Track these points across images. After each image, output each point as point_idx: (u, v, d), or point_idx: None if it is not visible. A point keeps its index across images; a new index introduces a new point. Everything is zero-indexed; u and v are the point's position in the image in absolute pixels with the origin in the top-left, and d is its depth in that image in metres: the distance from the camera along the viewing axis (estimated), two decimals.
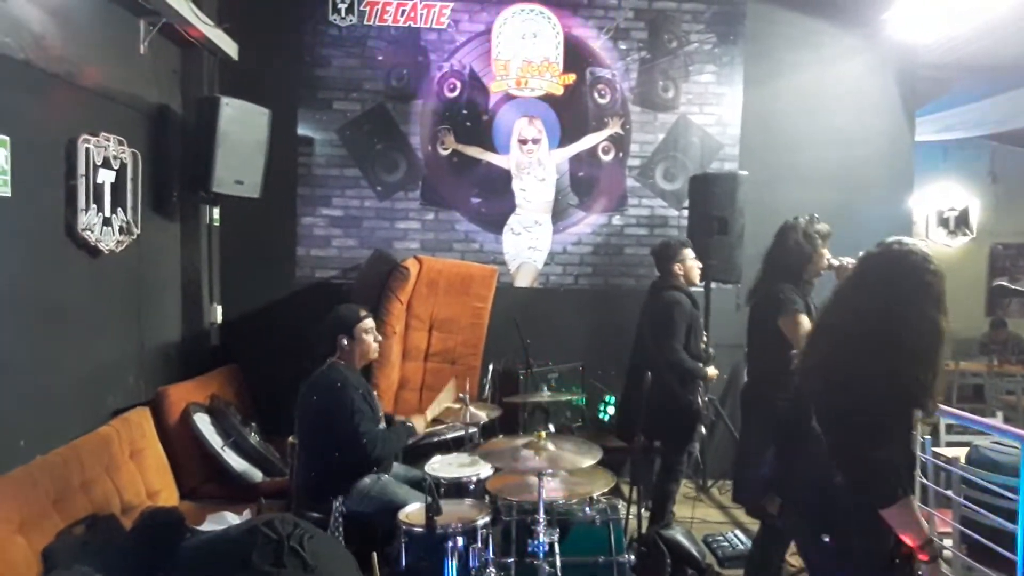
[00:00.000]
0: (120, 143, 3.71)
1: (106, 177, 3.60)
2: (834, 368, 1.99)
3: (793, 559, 4.01)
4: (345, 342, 3.27)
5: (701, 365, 4.01)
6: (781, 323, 3.12)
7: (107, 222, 3.62)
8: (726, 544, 4.16)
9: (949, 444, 4.20)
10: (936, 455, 3.72)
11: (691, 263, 4.17)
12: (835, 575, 2.03)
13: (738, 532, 4.28)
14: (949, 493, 3.53)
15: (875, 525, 1.91)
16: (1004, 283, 2.50)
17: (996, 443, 3.47)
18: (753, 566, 3.33)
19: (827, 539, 1.99)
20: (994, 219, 8.44)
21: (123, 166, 3.75)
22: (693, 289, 4.18)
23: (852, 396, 1.91)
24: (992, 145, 7.78)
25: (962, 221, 8.55)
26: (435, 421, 3.72)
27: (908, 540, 1.89)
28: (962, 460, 3.55)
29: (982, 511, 3.26)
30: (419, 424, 3.46)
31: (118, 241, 3.73)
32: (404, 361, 4.83)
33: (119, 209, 3.73)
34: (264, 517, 0.59)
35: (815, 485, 2.06)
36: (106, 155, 3.58)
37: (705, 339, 4.22)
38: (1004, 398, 7.13)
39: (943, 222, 8.64)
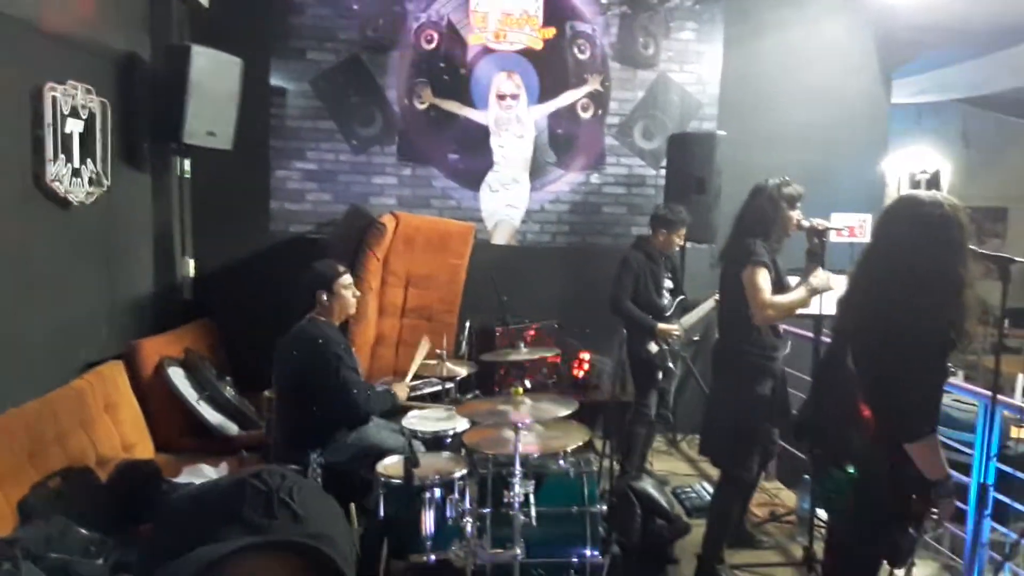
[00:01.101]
0: (88, 92, 3.61)
1: (74, 127, 3.51)
2: (873, 310, 2.11)
3: (757, 509, 4.17)
4: (324, 297, 3.26)
5: (650, 318, 4.14)
6: (743, 274, 3.17)
7: (76, 173, 3.54)
8: (694, 495, 4.29)
9: None
10: None
11: (675, 239, 4.33)
12: (856, 506, 2.15)
13: (705, 484, 4.42)
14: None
15: (898, 459, 2.04)
16: (974, 248, 2.56)
17: (956, 400, 3.59)
18: (714, 511, 3.45)
19: (851, 470, 2.12)
20: (965, 183, 8.56)
21: (92, 116, 3.65)
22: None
23: (890, 336, 2.04)
24: (965, 109, 7.85)
25: (933, 184, 8.66)
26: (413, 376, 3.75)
27: (927, 474, 2.03)
28: None
29: None
30: (401, 393, 3.49)
31: (88, 192, 3.65)
32: (380, 317, 4.83)
33: (88, 160, 3.64)
34: (251, 469, 0.60)
35: (845, 420, 2.18)
36: (74, 104, 3.48)
37: (671, 296, 4.33)
38: (966, 358, 7.34)
39: (915, 185, 8.74)
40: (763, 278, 3.12)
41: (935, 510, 2.09)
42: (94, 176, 3.70)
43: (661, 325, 4.15)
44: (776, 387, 3.33)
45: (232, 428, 4.13)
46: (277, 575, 0.64)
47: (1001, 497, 2.72)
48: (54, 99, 3.31)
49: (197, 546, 0.62)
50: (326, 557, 0.64)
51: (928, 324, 2.01)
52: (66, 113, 3.42)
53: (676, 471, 4.84)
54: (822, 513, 3.15)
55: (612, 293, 4.17)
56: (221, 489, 0.67)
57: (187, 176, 4.96)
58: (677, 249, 4.58)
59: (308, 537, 0.65)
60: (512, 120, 5.43)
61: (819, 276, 3.15)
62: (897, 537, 2.11)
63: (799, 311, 3.19)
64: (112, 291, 4.08)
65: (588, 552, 2.94)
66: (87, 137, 3.62)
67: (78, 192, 3.56)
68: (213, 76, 4.34)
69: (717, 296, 4.05)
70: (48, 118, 3.27)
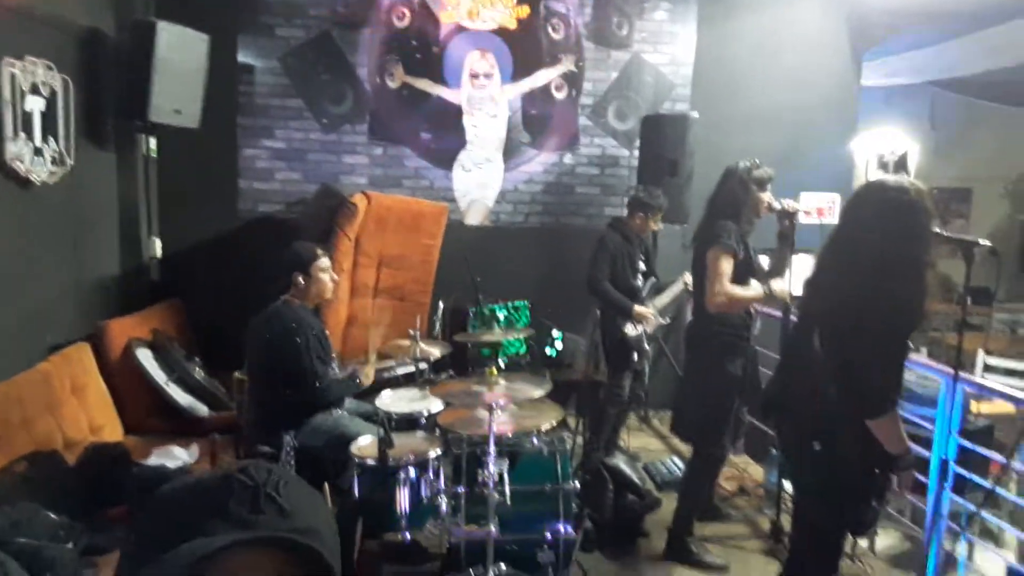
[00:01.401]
0: (49, 68, 3.51)
1: (35, 104, 3.41)
2: (841, 295, 2.16)
3: (726, 483, 4.25)
4: (301, 280, 3.23)
5: (628, 300, 4.15)
6: (708, 254, 3.21)
7: (38, 152, 3.45)
8: (665, 470, 4.36)
9: None
10: None
11: (652, 223, 4.32)
12: (822, 481, 2.21)
13: (676, 459, 4.49)
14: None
15: (862, 435, 2.10)
16: (939, 230, 2.61)
17: (920, 377, 3.68)
18: (686, 486, 3.52)
19: (817, 447, 2.18)
20: (932, 164, 8.70)
21: (53, 93, 3.55)
22: None
23: (859, 321, 2.08)
24: (934, 92, 7.96)
25: (901, 166, 8.80)
26: (385, 357, 3.74)
27: (889, 448, 2.10)
28: None
29: None
30: (367, 378, 3.44)
31: (50, 172, 3.57)
32: (352, 298, 4.80)
33: (50, 138, 3.55)
34: (237, 464, 0.60)
35: (810, 398, 2.24)
36: (34, 81, 3.39)
37: (643, 278, 4.35)
38: (929, 335, 7.51)
39: (883, 166, 8.87)
40: (726, 263, 3.16)
41: (896, 481, 2.15)
42: (57, 155, 3.61)
43: (638, 308, 4.17)
44: (747, 366, 3.39)
45: (202, 409, 4.09)
46: (264, 570, 0.64)
47: (960, 471, 2.80)
48: (12, 76, 3.22)
49: (183, 541, 0.62)
50: (313, 552, 0.64)
51: (895, 308, 2.06)
52: (26, 90, 3.33)
53: (648, 447, 4.91)
54: (789, 487, 3.23)
55: (589, 274, 4.16)
56: (207, 484, 0.67)
57: (153, 155, 4.85)
58: (659, 229, 4.60)
59: (295, 532, 0.65)
60: (485, 99, 5.39)
61: (780, 286, 3.25)
62: (862, 510, 2.17)
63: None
64: (78, 272, 4.00)
65: (561, 528, 2.97)
66: (48, 115, 3.53)
67: (40, 172, 3.48)
68: (179, 52, 4.24)
69: (687, 277, 4.10)
70: (7, 94, 3.19)
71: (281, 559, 0.65)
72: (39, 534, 2.50)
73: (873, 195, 2.21)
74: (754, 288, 3.22)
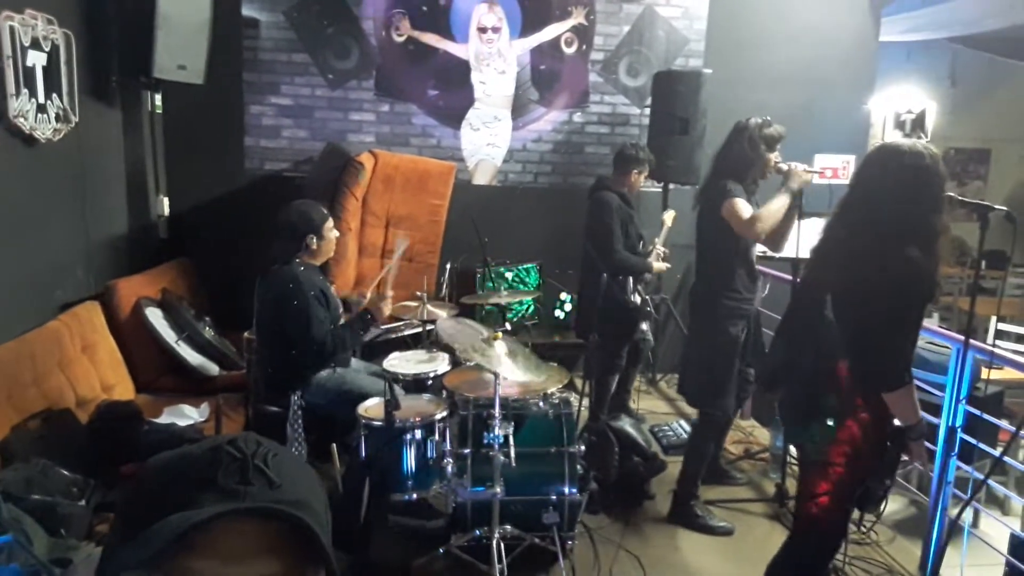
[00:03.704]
0: (49, 22, 3.45)
1: (36, 59, 3.36)
2: (854, 263, 2.10)
3: (732, 447, 4.27)
4: (314, 242, 3.21)
5: (644, 259, 4.06)
6: (724, 209, 3.15)
7: (42, 108, 3.41)
8: (671, 434, 4.38)
9: None
10: None
11: (641, 179, 4.20)
12: (830, 455, 2.16)
13: (682, 422, 4.51)
14: None
15: (874, 408, 2.08)
16: (952, 194, 2.54)
17: (930, 343, 3.65)
18: (691, 449, 3.53)
19: (830, 423, 2.13)
20: (950, 123, 8.52)
21: (55, 48, 3.50)
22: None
23: (873, 290, 2.04)
24: (955, 48, 7.75)
25: (918, 124, 8.62)
26: (393, 319, 3.74)
27: (902, 420, 2.08)
28: None
29: None
30: (383, 311, 3.34)
31: (55, 129, 3.53)
32: (360, 258, 4.79)
33: (54, 95, 3.50)
34: (226, 436, 0.60)
35: (821, 373, 2.19)
36: (34, 35, 3.33)
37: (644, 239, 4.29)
38: (941, 299, 7.46)
39: (900, 124, 8.70)
40: (742, 204, 3.11)
41: (907, 455, 2.13)
42: (61, 112, 3.57)
43: (655, 264, 4.07)
44: (750, 327, 3.37)
45: (212, 368, 4.12)
46: (252, 542, 0.64)
47: (968, 438, 2.80)
48: (12, 29, 3.16)
49: (171, 513, 0.62)
50: (302, 523, 0.64)
51: (910, 277, 2.01)
52: (27, 45, 3.27)
53: (655, 410, 4.93)
54: (794, 451, 3.24)
55: (607, 245, 3.93)
56: (196, 456, 0.67)
57: (159, 111, 4.80)
58: (657, 189, 4.52)
59: (284, 504, 0.65)
60: (494, 55, 5.28)
61: (796, 174, 3.12)
62: (873, 486, 2.15)
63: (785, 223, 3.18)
64: (86, 230, 3.99)
65: (566, 490, 3.00)
66: (51, 71, 3.47)
67: (44, 129, 3.45)
68: (183, 7, 4.16)
69: (668, 214, 4.04)
70: (7, 50, 3.13)
71: (269, 530, 0.65)
72: (53, 491, 2.54)
73: (888, 159, 2.13)
74: (777, 198, 3.11)
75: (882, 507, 2.25)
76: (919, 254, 2.01)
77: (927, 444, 3.13)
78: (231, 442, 0.68)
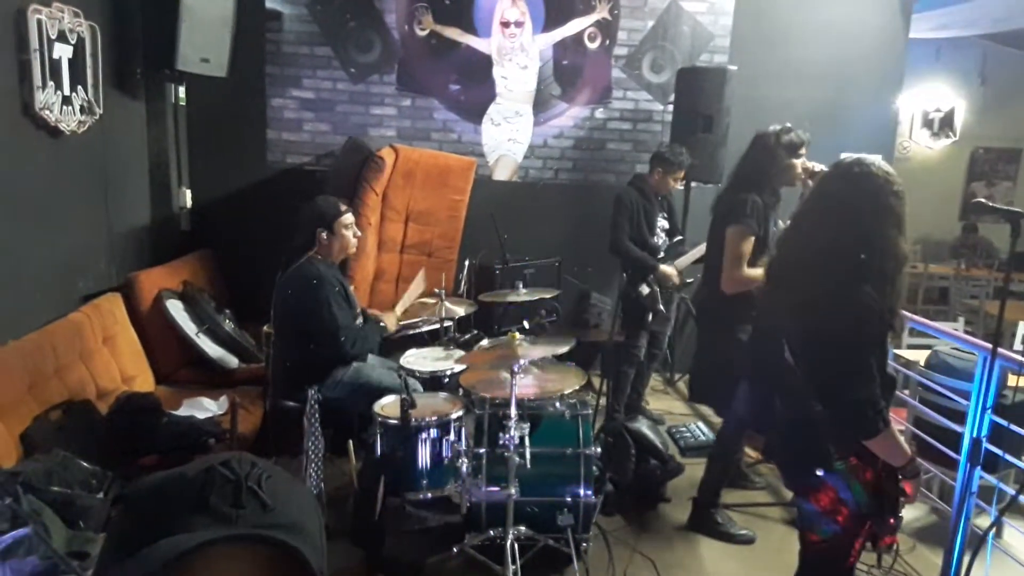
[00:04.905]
0: (76, 15, 3.47)
1: (63, 52, 3.39)
2: (804, 304, 1.96)
3: (749, 451, 4.22)
4: (324, 236, 3.21)
5: (651, 258, 4.08)
6: (728, 231, 3.12)
7: (67, 101, 3.44)
8: (689, 435, 4.34)
9: (911, 347, 4.34)
10: (896, 357, 3.84)
11: (671, 180, 4.23)
12: (830, 504, 2.02)
13: (701, 424, 4.46)
14: (906, 394, 3.68)
15: (858, 451, 1.94)
16: (982, 200, 2.48)
17: (956, 349, 3.58)
18: (715, 456, 3.49)
19: (821, 473, 1.99)
20: (979, 122, 8.35)
21: (80, 40, 3.52)
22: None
23: (826, 332, 1.90)
24: (985, 45, 7.58)
25: (946, 123, 8.46)
26: (409, 315, 3.74)
27: (892, 462, 1.94)
28: (922, 364, 3.68)
29: (932, 413, 3.42)
30: (390, 321, 3.48)
31: (80, 121, 3.56)
32: (380, 253, 4.79)
33: (79, 87, 3.54)
34: (220, 456, 0.59)
35: (797, 421, 2.06)
36: (61, 28, 3.36)
37: (667, 236, 4.27)
38: (967, 302, 7.32)
39: (927, 123, 8.54)
40: (746, 245, 3.08)
41: (907, 493, 1.99)
42: (85, 104, 3.60)
43: (663, 267, 4.10)
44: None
45: (232, 361, 4.15)
46: (244, 567, 0.64)
47: (992, 448, 2.74)
48: (39, 22, 3.19)
49: (163, 536, 0.61)
50: (293, 550, 0.63)
51: (858, 322, 1.87)
52: (53, 38, 3.30)
53: (672, 411, 4.89)
54: None
55: (612, 236, 4.11)
56: (188, 476, 0.66)
57: (182, 104, 4.83)
58: (680, 189, 4.50)
59: (276, 527, 0.64)
60: (516, 49, 5.25)
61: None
62: (878, 527, 2.01)
63: None
64: (109, 222, 4.03)
65: (582, 492, 2.99)
66: (76, 63, 3.50)
67: (69, 121, 3.48)
68: (206, 0, 4.17)
69: (698, 249, 4.04)
70: (34, 42, 3.16)
71: (261, 556, 0.64)
72: (72, 483, 2.57)
73: (837, 183, 2.00)
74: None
75: (894, 548, 2.13)
76: (870, 292, 1.88)
77: (950, 452, 3.08)
78: (225, 463, 0.67)
